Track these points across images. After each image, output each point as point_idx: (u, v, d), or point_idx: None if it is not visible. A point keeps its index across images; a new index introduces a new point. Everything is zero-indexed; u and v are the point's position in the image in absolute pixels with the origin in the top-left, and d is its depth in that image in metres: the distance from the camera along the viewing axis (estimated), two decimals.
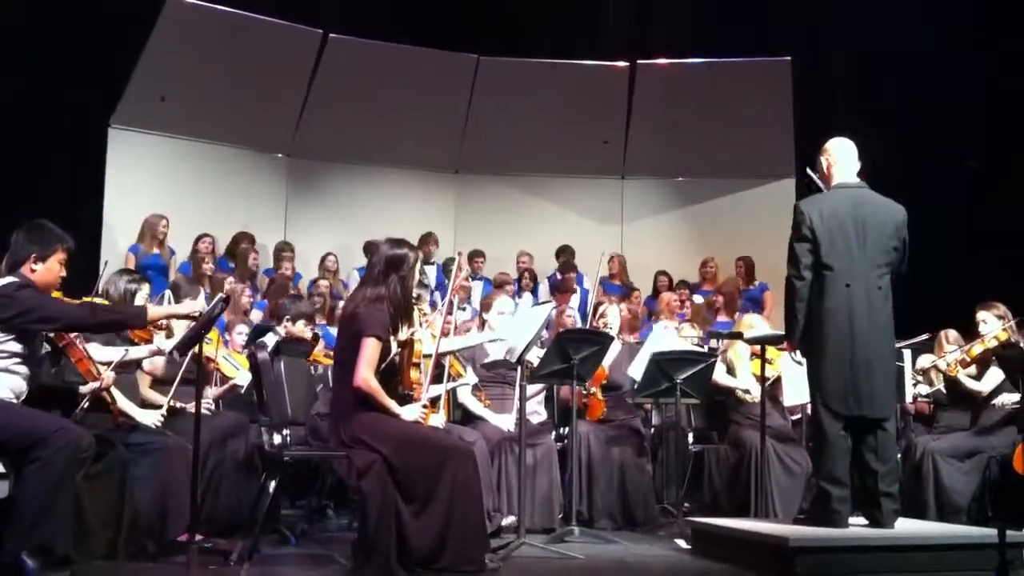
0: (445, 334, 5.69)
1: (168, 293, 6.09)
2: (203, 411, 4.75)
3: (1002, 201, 9.08)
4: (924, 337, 6.93)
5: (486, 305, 6.82)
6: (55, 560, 4.03)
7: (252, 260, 9.82)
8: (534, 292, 10.45)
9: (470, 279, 9.46)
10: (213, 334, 5.69)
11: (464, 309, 8.39)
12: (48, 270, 4.36)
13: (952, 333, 6.80)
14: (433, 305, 7.91)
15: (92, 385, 4.77)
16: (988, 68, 9.42)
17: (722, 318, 9.62)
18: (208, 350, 5.51)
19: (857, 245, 4.94)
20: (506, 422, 6.24)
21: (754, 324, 6.57)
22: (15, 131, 8.75)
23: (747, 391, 6.66)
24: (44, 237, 4.36)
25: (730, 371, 6.80)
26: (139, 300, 5.28)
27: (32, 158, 8.94)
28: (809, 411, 6.22)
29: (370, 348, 4.57)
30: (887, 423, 4.95)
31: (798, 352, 5.12)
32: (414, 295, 5.04)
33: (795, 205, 5.12)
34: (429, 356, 5.40)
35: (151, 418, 5.10)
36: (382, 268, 4.75)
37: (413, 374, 5.14)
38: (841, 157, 5.14)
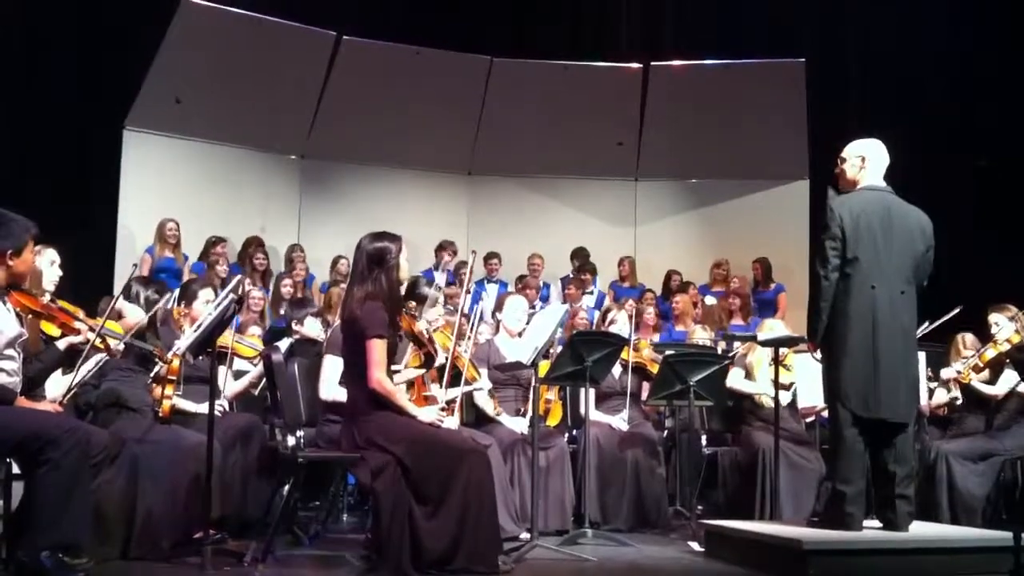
0: (461, 336, 5.68)
1: (176, 295, 6.07)
2: (216, 412, 4.77)
3: (1014, 201, 9.04)
4: (939, 342, 6.83)
5: (499, 305, 6.82)
6: (73, 559, 4.04)
7: (259, 261, 9.83)
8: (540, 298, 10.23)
9: (472, 284, 9.37)
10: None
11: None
12: (23, 261, 4.31)
13: (969, 337, 6.72)
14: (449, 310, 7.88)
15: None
16: (1002, 68, 9.38)
17: (736, 321, 9.59)
18: (221, 340, 5.48)
19: (884, 248, 4.91)
20: (519, 425, 6.23)
21: (774, 328, 6.52)
22: (30, 133, 8.80)
23: (764, 394, 6.58)
24: (12, 231, 4.24)
25: (747, 376, 6.75)
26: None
27: (47, 160, 8.99)
28: (823, 414, 6.22)
29: (376, 350, 4.57)
30: (906, 426, 4.93)
31: (819, 352, 5.09)
32: (430, 299, 5.03)
33: (827, 203, 5.08)
34: (443, 365, 5.42)
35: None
36: (365, 264, 4.69)
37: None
38: (874, 159, 5.10)
